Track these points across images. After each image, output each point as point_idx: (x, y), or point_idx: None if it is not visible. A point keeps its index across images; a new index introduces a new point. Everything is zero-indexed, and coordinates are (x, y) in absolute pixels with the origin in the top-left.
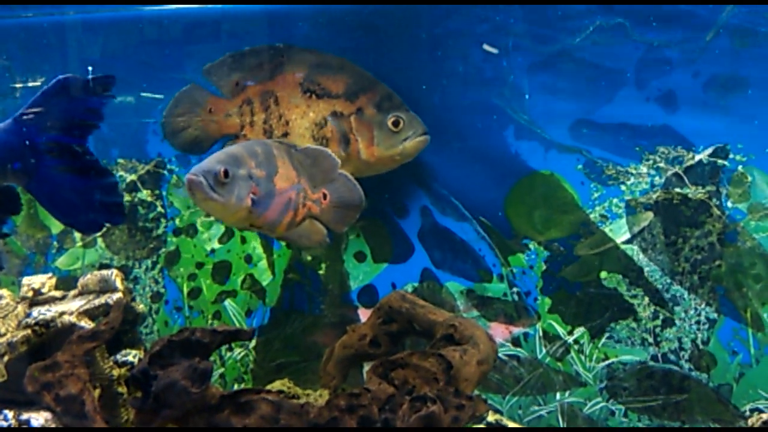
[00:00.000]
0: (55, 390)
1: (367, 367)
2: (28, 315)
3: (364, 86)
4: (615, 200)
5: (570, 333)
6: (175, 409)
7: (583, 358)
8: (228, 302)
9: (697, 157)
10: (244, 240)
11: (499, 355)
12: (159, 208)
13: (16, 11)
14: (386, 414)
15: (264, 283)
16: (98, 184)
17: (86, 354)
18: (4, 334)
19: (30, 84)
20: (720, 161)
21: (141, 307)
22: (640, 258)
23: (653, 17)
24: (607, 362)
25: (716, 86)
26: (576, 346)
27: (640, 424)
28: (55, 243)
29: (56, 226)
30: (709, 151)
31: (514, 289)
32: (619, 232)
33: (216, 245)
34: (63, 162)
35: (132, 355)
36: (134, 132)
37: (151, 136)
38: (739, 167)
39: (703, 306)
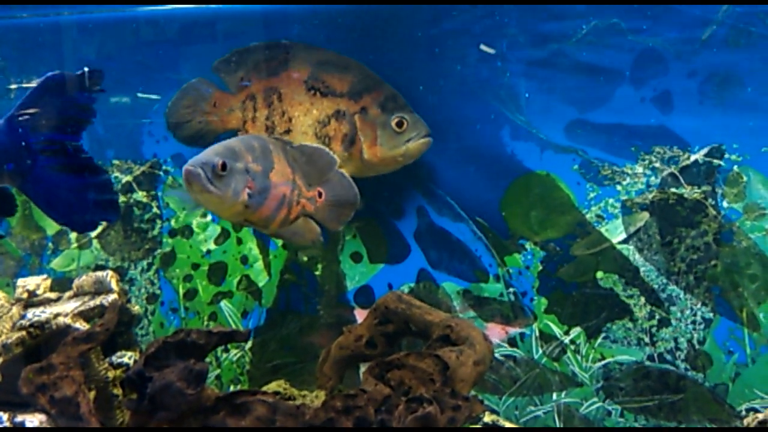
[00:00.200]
0: (50, 392)
1: (363, 368)
2: (22, 317)
3: (369, 86)
4: (611, 200)
5: (566, 333)
6: (171, 410)
7: (579, 358)
8: (224, 303)
9: (693, 157)
10: (240, 241)
11: (496, 355)
12: (154, 209)
13: (10, 12)
14: (382, 415)
15: (260, 284)
16: (92, 182)
17: (81, 356)
18: None
19: (25, 85)
20: (715, 161)
21: (136, 308)
22: (636, 258)
23: (648, 17)
24: (603, 362)
25: (712, 86)
26: (572, 347)
27: (636, 424)
28: (50, 244)
29: (51, 228)
30: (705, 151)
31: (511, 290)
32: (615, 233)
33: (212, 246)
34: (56, 161)
35: (127, 357)
36: (129, 133)
37: (146, 137)
38: (735, 167)
39: (699, 306)
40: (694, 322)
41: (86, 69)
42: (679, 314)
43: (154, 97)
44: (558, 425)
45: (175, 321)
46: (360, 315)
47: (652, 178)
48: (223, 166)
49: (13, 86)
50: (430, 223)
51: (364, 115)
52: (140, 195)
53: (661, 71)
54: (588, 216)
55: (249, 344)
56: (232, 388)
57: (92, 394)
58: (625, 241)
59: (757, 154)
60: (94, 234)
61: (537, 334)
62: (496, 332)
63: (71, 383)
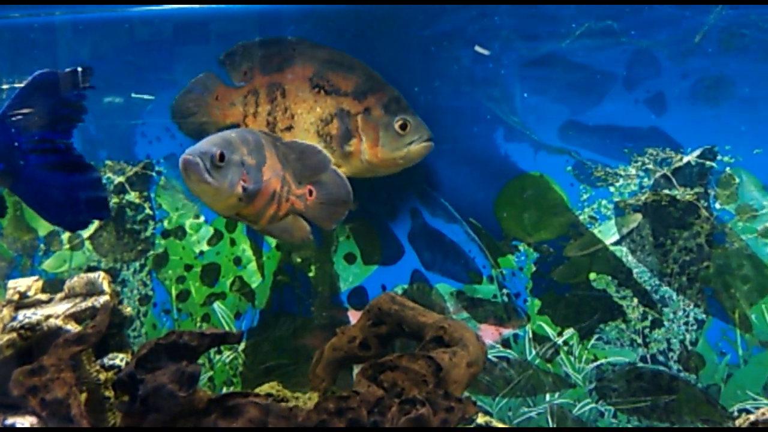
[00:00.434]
0: (41, 394)
1: (356, 370)
2: (13, 318)
3: (374, 87)
4: (604, 202)
5: (559, 334)
6: (163, 413)
7: (572, 359)
8: (217, 305)
9: (686, 159)
10: (233, 242)
11: (489, 356)
12: (147, 210)
13: (2, 12)
14: (375, 417)
15: (253, 286)
16: (82, 180)
17: (72, 358)
18: None
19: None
20: (708, 163)
21: (128, 310)
22: (629, 259)
23: (641, 19)
24: (596, 363)
25: (704, 88)
26: (565, 348)
27: (629, 425)
28: (41, 245)
29: (43, 229)
30: (697, 152)
31: (504, 291)
32: (608, 234)
33: (205, 247)
34: (48, 160)
35: (119, 359)
36: (122, 133)
37: (139, 138)
38: (727, 169)
39: (691, 307)
40: (686, 324)
41: (75, 67)
42: (671, 315)
43: (147, 97)
44: (551, 426)
45: (168, 322)
46: (353, 316)
47: (645, 180)
48: (221, 157)
49: (5, 87)
50: (424, 224)
51: (367, 115)
52: (133, 196)
53: (654, 73)
54: (581, 217)
55: (242, 346)
56: (225, 390)
57: (83, 397)
58: (618, 243)
59: (749, 156)
60: (86, 235)
61: (530, 335)
62: (489, 333)
63: (62, 385)
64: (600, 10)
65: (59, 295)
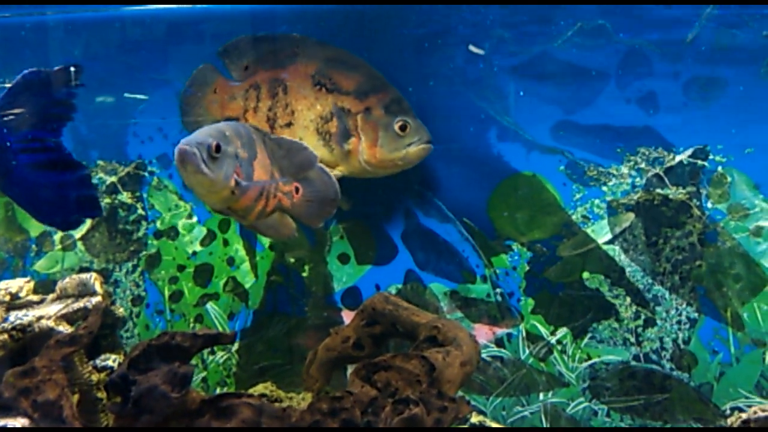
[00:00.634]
0: (33, 396)
1: (350, 370)
2: (5, 319)
3: (376, 87)
4: (597, 201)
5: (553, 333)
6: (155, 414)
7: (565, 358)
8: (210, 305)
9: (678, 158)
10: (226, 242)
11: (483, 356)
12: (139, 211)
13: None
14: (369, 417)
15: (247, 286)
16: (73, 179)
17: (64, 359)
18: None
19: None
20: (700, 162)
21: (121, 310)
22: (622, 258)
23: (634, 19)
24: (589, 362)
25: (696, 87)
26: (559, 347)
27: (622, 424)
28: (33, 246)
29: (35, 229)
30: (689, 152)
31: (498, 290)
32: (601, 233)
33: (198, 248)
34: (38, 159)
35: (112, 360)
36: (114, 133)
37: (131, 138)
38: (719, 168)
39: (684, 306)
40: (679, 322)
41: (64, 65)
42: (664, 314)
43: (141, 97)
44: (545, 425)
45: (161, 323)
46: (347, 316)
47: (638, 179)
48: (217, 148)
49: None
50: (418, 224)
51: (368, 115)
52: (125, 196)
53: (646, 73)
54: (574, 217)
55: (236, 346)
56: (218, 391)
57: (76, 398)
58: (610, 242)
59: (741, 155)
60: (78, 235)
61: (524, 334)
62: (483, 333)
63: (54, 387)
64: (592, 10)
65: (51, 296)
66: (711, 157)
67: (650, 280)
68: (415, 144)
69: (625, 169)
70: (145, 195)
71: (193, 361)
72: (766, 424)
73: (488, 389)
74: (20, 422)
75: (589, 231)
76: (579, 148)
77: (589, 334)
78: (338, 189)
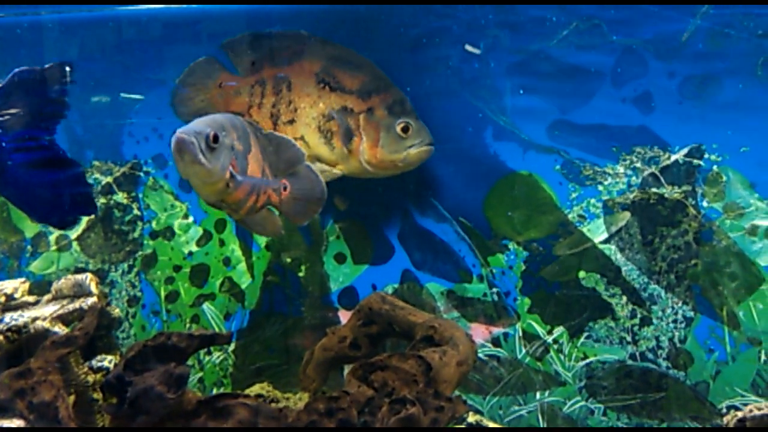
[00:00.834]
0: (29, 397)
1: (347, 370)
2: (0, 321)
3: (379, 87)
4: (592, 200)
5: (549, 332)
6: (151, 415)
7: (562, 357)
8: (206, 305)
9: (673, 157)
10: (222, 243)
11: (479, 355)
12: (135, 211)
13: None
14: (365, 417)
15: (243, 286)
16: (67, 177)
17: (60, 360)
18: None
19: None
20: (695, 161)
21: (116, 311)
22: (618, 257)
23: (629, 19)
24: (586, 361)
25: (691, 87)
26: (555, 346)
27: (619, 423)
28: (28, 247)
29: (30, 230)
30: (685, 151)
31: (494, 290)
32: (597, 232)
33: (194, 248)
34: (32, 158)
35: (108, 361)
36: (110, 133)
37: (126, 138)
38: (714, 167)
39: (679, 305)
40: (675, 321)
41: (55, 63)
42: (660, 313)
43: (137, 97)
44: (542, 425)
45: (157, 324)
46: (344, 316)
47: (633, 178)
48: (215, 138)
49: None
50: (414, 223)
51: (370, 115)
52: (121, 196)
53: (642, 72)
54: (570, 216)
55: (232, 346)
56: (215, 391)
57: (71, 399)
58: (606, 241)
59: (736, 154)
60: (73, 236)
61: (520, 333)
62: (479, 332)
63: (50, 388)
64: (588, 9)
65: (46, 297)
66: (706, 156)
67: (646, 279)
68: (417, 146)
69: (620, 169)
70: (140, 195)
71: (190, 362)
72: (762, 422)
73: (485, 389)
74: (16, 423)
75: (585, 230)
76: (575, 148)
77: (586, 333)
78: (325, 188)
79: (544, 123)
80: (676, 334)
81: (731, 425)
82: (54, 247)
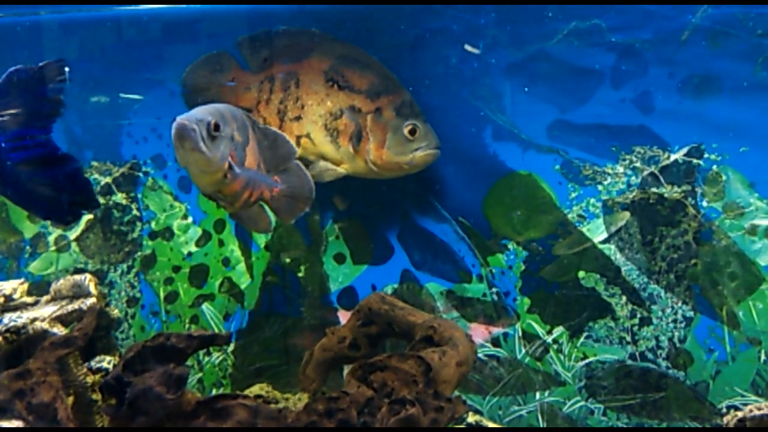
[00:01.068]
0: (27, 398)
1: (346, 370)
2: None
3: (388, 88)
4: (592, 200)
5: (549, 332)
6: (150, 415)
7: (562, 357)
8: (206, 306)
9: (673, 157)
10: (221, 243)
11: (479, 355)
12: (134, 211)
13: None
14: (365, 417)
15: (242, 287)
16: (65, 172)
17: (59, 361)
18: None
19: None
20: (695, 161)
21: (116, 312)
22: (618, 257)
23: (629, 18)
24: (585, 361)
25: (691, 86)
26: (555, 346)
27: (619, 423)
28: (27, 247)
29: (29, 230)
30: (684, 150)
31: (494, 290)
32: (597, 232)
33: (193, 248)
34: (30, 156)
35: (107, 362)
36: (108, 134)
37: (125, 138)
38: (714, 167)
39: (679, 304)
40: (675, 321)
41: (49, 61)
42: (660, 313)
43: (135, 97)
44: (541, 425)
45: (156, 324)
46: (343, 316)
47: (633, 178)
48: (216, 127)
49: None
50: (414, 223)
51: (378, 116)
52: (120, 197)
53: (641, 72)
54: (570, 216)
55: (231, 347)
56: (214, 392)
57: (70, 400)
58: (606, 241)
59: (735, 154)
60: (72, 236)
61: (520, 333)
62: (479, 332)
63: (49, 389)
64: (587, 9)
65: (45, 298)
66: (706, 155)
67: (646, 279)
68: (423, 149)
69: (620, 168)
70: (139, 196)
71: (189, 362)
72: (762, 422)
73: (485, 389)
74: (15, 424)
75: (584, 230)
76: (574, 147)
77: (585, 333)
78: (313, 187)
79: (544, 123)
80: (676, 334)
81: (731, 425)
82: (53, 248)
